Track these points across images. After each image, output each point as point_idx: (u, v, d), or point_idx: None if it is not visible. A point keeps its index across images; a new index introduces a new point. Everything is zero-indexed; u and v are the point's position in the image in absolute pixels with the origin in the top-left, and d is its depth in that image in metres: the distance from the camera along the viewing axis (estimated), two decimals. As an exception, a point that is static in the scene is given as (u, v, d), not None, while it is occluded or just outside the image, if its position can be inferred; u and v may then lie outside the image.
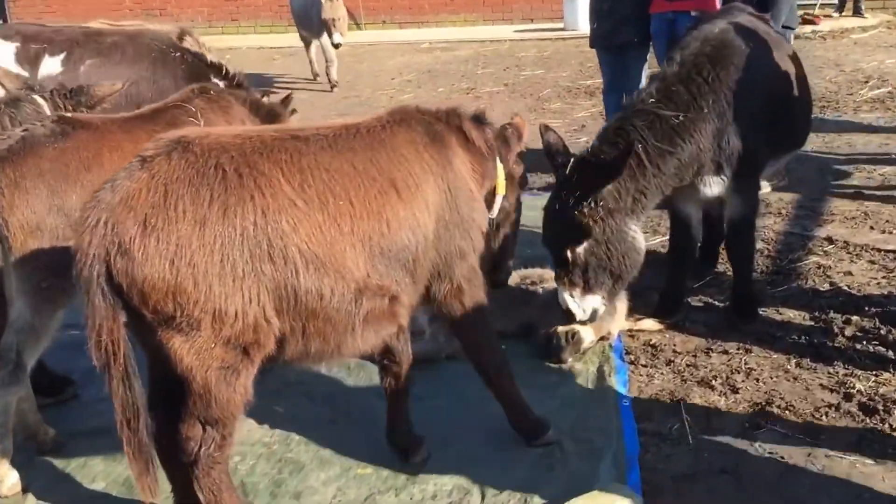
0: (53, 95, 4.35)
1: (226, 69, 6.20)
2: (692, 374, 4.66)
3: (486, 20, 18.52)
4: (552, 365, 4.80)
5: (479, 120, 3.96)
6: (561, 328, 4.81)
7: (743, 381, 4.56)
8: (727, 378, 4.59)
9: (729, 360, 4.79)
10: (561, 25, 17.01)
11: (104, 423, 3.57)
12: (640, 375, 4.71)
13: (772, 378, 4.58)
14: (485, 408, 4.17)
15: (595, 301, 4.59)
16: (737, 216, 5.02)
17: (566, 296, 4.56)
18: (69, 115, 3.96)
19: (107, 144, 3.82)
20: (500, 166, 3.99)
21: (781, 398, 4.37)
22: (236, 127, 4.25)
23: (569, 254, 4.48)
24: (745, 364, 4.73)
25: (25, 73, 5.89)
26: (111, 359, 2.88)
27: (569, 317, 4.60)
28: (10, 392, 3.62)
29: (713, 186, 4.82)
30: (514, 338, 5.04)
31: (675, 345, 5.01)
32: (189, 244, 2.85)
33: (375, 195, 3.26)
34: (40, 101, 4.28)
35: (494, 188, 3.99)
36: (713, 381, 4.56)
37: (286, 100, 5.27)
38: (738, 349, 4.90)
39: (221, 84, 6.01)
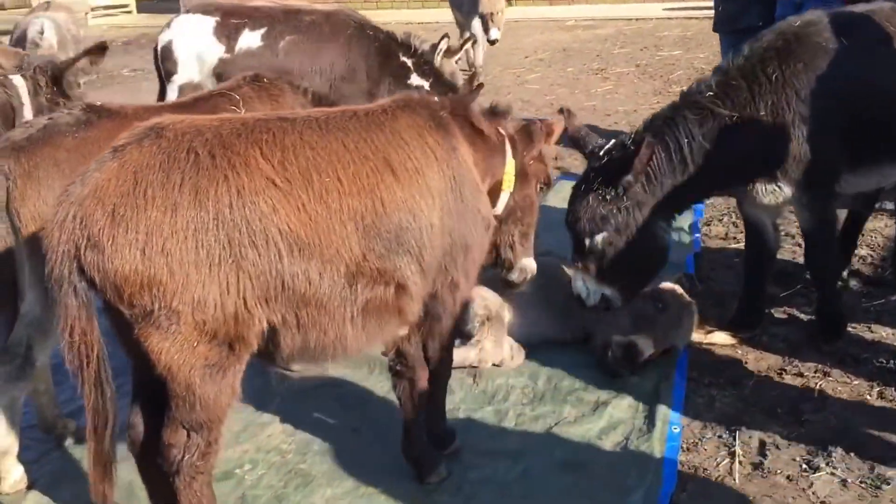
0: (35, 74, 4.25)
1: (414, 47, 6.27)
2: (758, 399, 4.26)
3: (638, -4, 17.65)
4: (609, 378, 4.50)
5: (494, 112, 3.80)
6: (618, 338, 4.50)
7: (811, 411, 4.12)
8: (794, 406, 4.16)
9: (802, 385, 4.35)
10: (710, 4, 16.05)
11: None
12: (700, 397, 4.33)
13: (845, 410, 4.12)
14: (508, 432, 4.00)
15: (608, 291, 4.43)
16: (807, 231, 4.56)
17: (577, 279, 4.42)
18: (99, 103, 3.86)
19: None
20: (510, 161, 3.76)
21: (851, 436, 3.92)
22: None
23: (587, 240, 4.29)
24: (819, 390, 4.28)
25: (222, 47, 6.07)
26: (84, 361, 2.77)
27: (578, 301, 4.47)
28: (17, 387, 3.57)
29: (766, 195, 4.37)
30: (570, 346, 4.79)
31: (746, 362, 4.60)
32: (160, 231, 2.70)
33: (367, 172, 3.08)
34: (18, 82, 4.22)
35: (500, 183, 3.76)
36: (778, 410, 4.15)
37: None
38: (816, 372, 4.45)
39: (409, 62, 6.18)
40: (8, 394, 3.57)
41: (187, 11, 6.46)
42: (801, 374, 4.44)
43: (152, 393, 3.05)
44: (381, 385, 4.47)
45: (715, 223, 6.54)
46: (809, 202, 4.39)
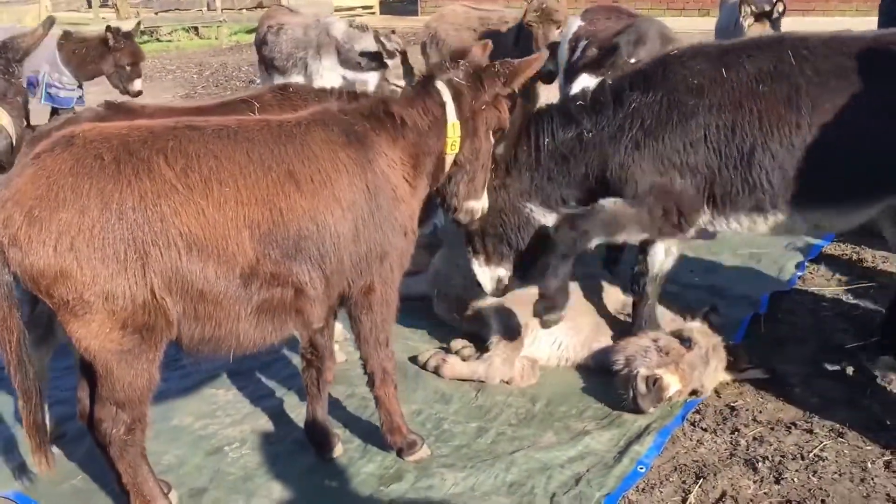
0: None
1: None
2: (748, 450, 4.01)
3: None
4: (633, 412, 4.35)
5: (440, 68, 3.85)
6: (644, 371, 4.33)
7: (797, 471, 3.83)
8: (780, 463, 3.89)
9: (805, 443, 4.04)
10: None
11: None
12: (690, 439, 4.15)
13: (836, 475, 3.80)
14: (476, 449, 4.12)
15: (501, 272, 4.59)
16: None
17: (473, 264, 4.60)
18: (119, 101, 4.29)
19: None
20: (452, 126, 3.77)
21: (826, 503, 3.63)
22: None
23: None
24: (820, 451, 3.96)
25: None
26: (6, 345, 3.18)
27: (478, 287, 4.67)
28: (41, 350, 4.01)
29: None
30: (593, 373, 4.75)
31: (760, 411, 4.32)
32: (69, 231, 3.00)
33: (268, 183, 3.29)
34: None
35: (443, 153, 3.81)
36: (759, 463, 3.90)
37: None
38: (830, 431, 4.10)
39: None
40: (35, 355, 4.19)
41: None
42: (810, 432, 4.12)
43: (92, 370, 3.42)
44: (402, 394, 4.44)
45: (827, 263, 6.07)
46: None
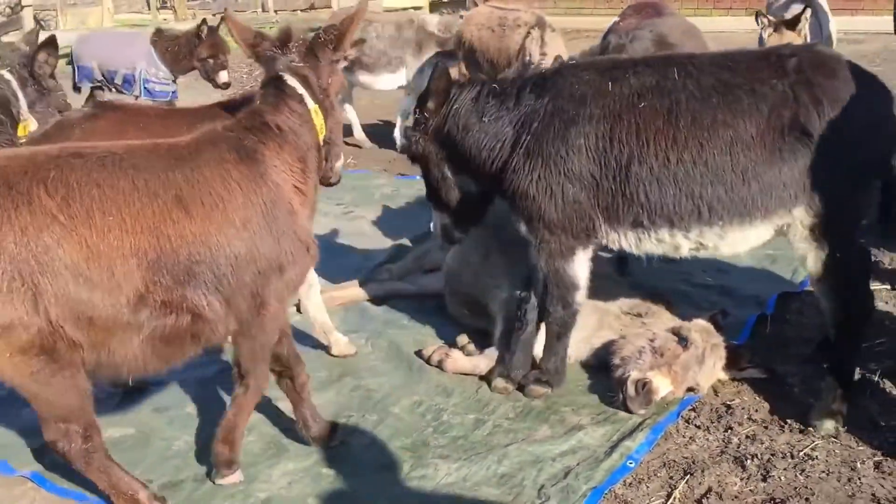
0: (17, 68, 4.85)
1: None
2: (739, 448, 4.05)
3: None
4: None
5: (277, 85, 3.74)
6: (635, 375, 4.40)
7: (785, 469, 3.87)
8: (769, 461, 3.92)
9: (797, 442, 4.07)
10: None
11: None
12: (682, 436, 4.22)
13: (823, 474, 3.83)
14: (472, 441, 4.23)
15: (446, 221, 4.87)
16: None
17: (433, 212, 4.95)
18: (107, 100, 4.49)
19: (132, 126, 4.22)
20: (314, 113, 3.76)
21: (811, 501, 3.66)
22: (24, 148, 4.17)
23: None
24: (811, 450, 3.98)
25: None
26: None
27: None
28: None
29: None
30: (590, 370, 4.84)
31: (756, 409, 4.36)
32: None
33: (154, 211, 3.28)
34: (8, 76, 4.87)
35: (318, 144, 3.82)
36: (748, 461, 3.94)
37: None
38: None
39: None
40: None
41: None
42: (802, 431, 4.15)
43: None
44: (406, 388, 4.74)
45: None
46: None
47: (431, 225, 5.17)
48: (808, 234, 4.05)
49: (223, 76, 9.03)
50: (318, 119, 3.77)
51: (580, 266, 4.42)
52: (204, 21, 9.02)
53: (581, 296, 4.48)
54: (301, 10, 23.35)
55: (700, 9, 17.16)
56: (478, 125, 4.46)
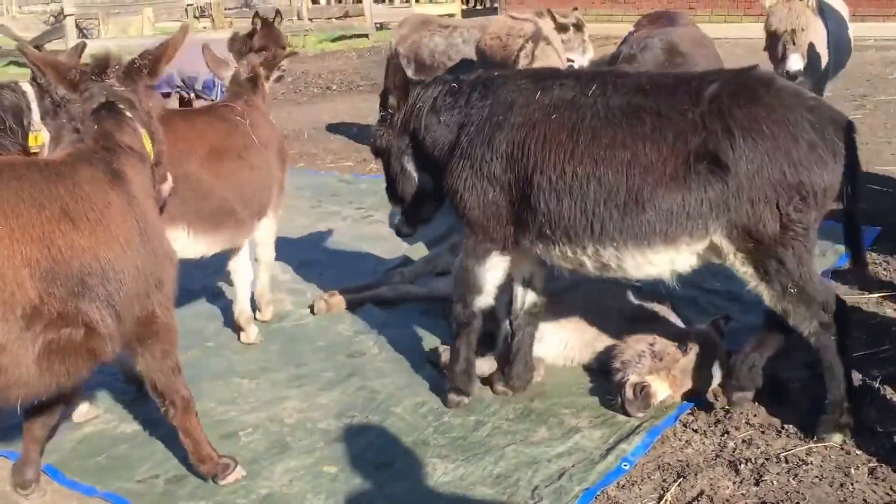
0: (35, 81, 5.01)
1: None
2: (734, 452, 4.08)
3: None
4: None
5: (112, 108, 3.70)
6: (633, 379, 4.44)
7: (778, 473, 3.88)
8: (763, 465, 3.95)
9: (792, 446, 4.09)
10: None
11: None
12: (679, 440, 4.25)
13: (817, 479, 3.84)
14: (470, 441, 4.30)
15: (399, 214, 4.97)
16: None
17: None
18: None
19: None
20: (144, 135, 3.78)
21: (799, 505, 3.69)
22: None
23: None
24: (805, 455, 4.00)
25: None
26: None
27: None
28: None
29: None
30: (593, 373, 4.89)
31: (755, 414, 4.38)
32: None
33: (43, 221, 3.23)
34: (27, 87, 5.03)
35: (151, 164, 3.84)
36: (742, 465, 3.97)
37: None
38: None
39: None
40: None
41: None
42: (799, 436, 4.16)
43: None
44: (410, 388, 4.84)
45: (853, 273, 6.00)
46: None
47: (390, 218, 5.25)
48: (740, 264, 4.00)
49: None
50: (147, 141, 3.81)
51: (491, 271, 4.46)
52: (256, 14, 9.21)
53: (483, 301, 4.53)
54: (336, 19, 23.61)
55: (731, 16, 17.07)
56: (435, 124, 4.55)
